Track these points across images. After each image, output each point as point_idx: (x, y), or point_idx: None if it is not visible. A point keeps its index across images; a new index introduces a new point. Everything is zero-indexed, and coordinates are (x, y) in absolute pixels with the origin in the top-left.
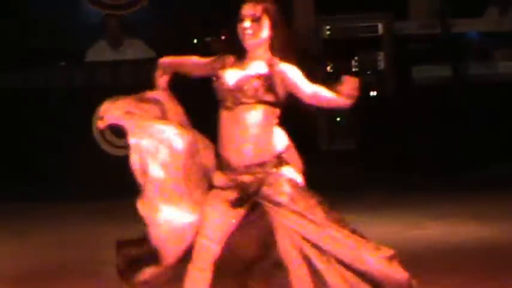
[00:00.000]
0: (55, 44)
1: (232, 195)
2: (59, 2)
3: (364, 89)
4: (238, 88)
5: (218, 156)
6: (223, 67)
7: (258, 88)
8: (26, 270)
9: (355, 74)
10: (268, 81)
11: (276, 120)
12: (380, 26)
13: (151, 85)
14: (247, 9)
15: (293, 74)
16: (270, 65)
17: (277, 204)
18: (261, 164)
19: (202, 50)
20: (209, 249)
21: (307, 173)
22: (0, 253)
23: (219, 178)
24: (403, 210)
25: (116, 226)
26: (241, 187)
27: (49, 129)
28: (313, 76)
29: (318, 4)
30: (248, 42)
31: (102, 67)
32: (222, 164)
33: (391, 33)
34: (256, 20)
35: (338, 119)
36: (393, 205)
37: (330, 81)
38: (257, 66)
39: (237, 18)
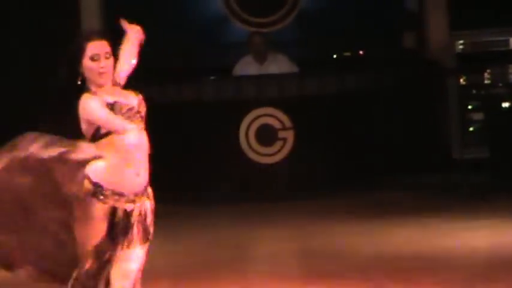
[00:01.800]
0: (205, 59)
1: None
2: (210, 21)
3: (496, 101)
4: (139, 111)
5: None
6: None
7: None
8: (179, 268)
9: (487, 87)
10: None
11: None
12: (511, 40)
13: (293, 98)
14: (98, 47)
15: None
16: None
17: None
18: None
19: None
20: None
21: (441, 181)
22: (157, 253)
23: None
24: None
25: (262, 227)
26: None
27: (202, 137)
28: (447, 89)
29: (451, 20)
30: (105, 80)
31: (248, 80)
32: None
33: None
34: (108, 57)
35: (471, 128)
36: None
37: (463, 94)
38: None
39: (81, 56)
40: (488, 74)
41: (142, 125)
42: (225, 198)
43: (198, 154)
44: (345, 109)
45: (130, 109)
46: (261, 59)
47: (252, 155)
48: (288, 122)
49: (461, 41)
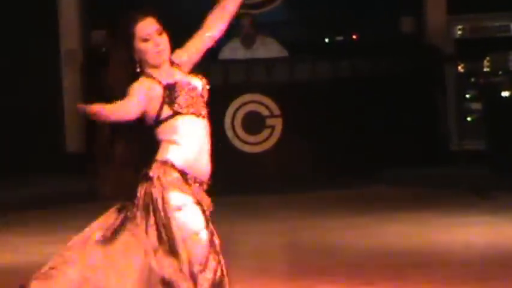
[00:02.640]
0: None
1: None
2: (194, 1)
3: (495, 89)
4: (202, 95)
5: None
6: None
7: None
8: None
9: (486, 75)
10: None
11: None
12: None
13: (282, 84)
14: (148, 26)
15: None
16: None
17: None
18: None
19: (333, 49)
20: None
21: (438, 174)
22: None
23: (181, 195)
24: None
25: (245, 220)
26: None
27: None
28: (445, 76)
29: (450, 3)
30: (162, 59)
31: (235, 65)
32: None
33: None
34: (160, 33)
35: (469, 119)
36: None
37: (462, 82)
38: (185, 76)
39: (131, 40)
40: (488, 61)
41: (204, 111)
42: (208, 188)
43: None
44: (336, 96)
45: (192, 89)
46: (249, 42)
47: (238, 144)
48: (276, 109)
49: (459, 26)
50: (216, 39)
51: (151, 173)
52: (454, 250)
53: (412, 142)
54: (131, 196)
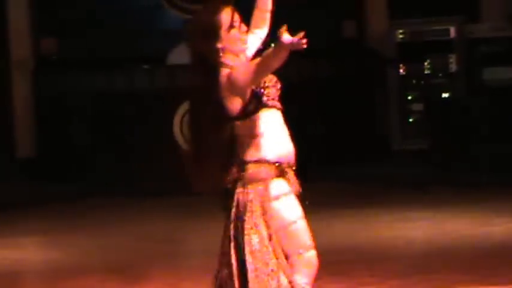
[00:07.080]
0: (138, 47)
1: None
2: (141, 8)
3: (436, 91)
4: (280, 88)
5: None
6: None
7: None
8: (109, 263)
9: (427, 77)
10: None
11: None
12: (452, 29)
13: None
14: (233, 14)
15: None
16: None
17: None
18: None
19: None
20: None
21: (380, 172)
22: (87, 247)
23: (282, 184)
24: (472, 208)
25: (193, 221)
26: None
27: (137, 127)
28: (387, 79)
29: (391, 8)
30: (245, 46)
31: (182, 70)
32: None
33: (463, 36)
34: (241, 20)
35: (410, 119)
36: (463, 203)
37: (403, 84)
38: None
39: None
40: (428, 64)
41: (279, 104)
42: (159, 190)
43: (130, 145)
44: (282, 99)
45: (276, 82)
46: None
47: (185, 144)
48: None
49: (400, 30)
50: (262, 40)
51: (246, 177)
52: (396, 245)
53: (356, 142)
54: (218, 190)
